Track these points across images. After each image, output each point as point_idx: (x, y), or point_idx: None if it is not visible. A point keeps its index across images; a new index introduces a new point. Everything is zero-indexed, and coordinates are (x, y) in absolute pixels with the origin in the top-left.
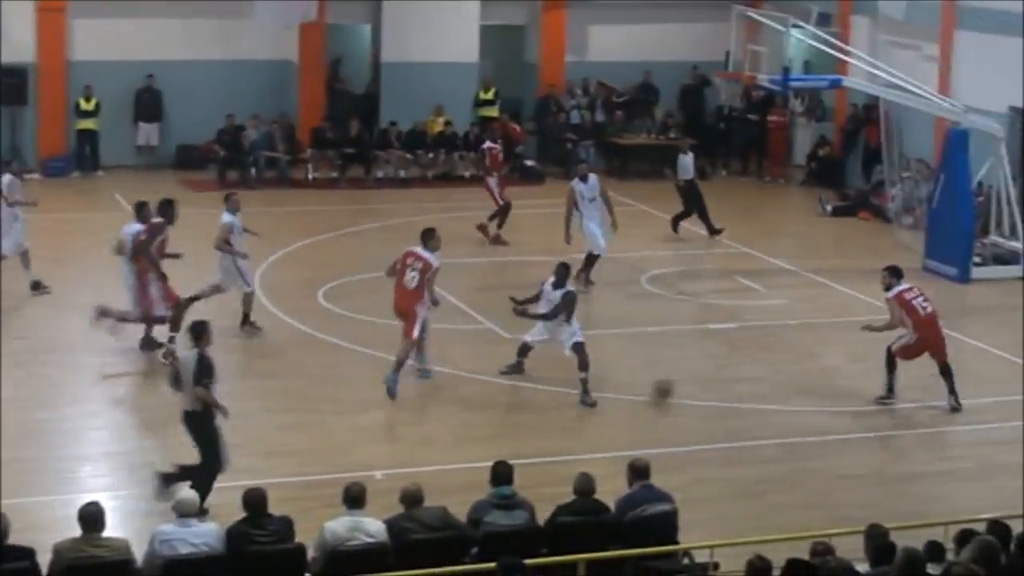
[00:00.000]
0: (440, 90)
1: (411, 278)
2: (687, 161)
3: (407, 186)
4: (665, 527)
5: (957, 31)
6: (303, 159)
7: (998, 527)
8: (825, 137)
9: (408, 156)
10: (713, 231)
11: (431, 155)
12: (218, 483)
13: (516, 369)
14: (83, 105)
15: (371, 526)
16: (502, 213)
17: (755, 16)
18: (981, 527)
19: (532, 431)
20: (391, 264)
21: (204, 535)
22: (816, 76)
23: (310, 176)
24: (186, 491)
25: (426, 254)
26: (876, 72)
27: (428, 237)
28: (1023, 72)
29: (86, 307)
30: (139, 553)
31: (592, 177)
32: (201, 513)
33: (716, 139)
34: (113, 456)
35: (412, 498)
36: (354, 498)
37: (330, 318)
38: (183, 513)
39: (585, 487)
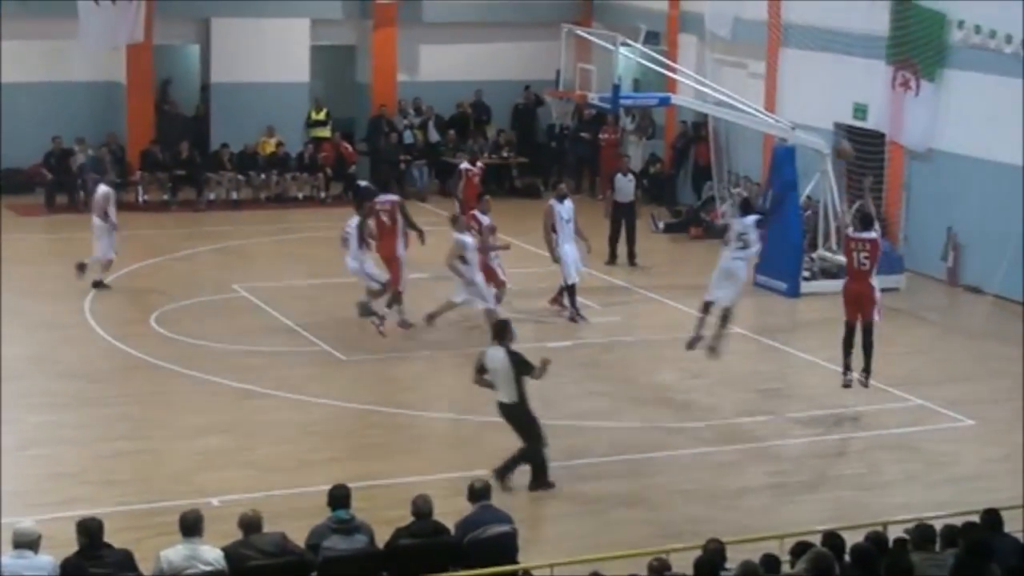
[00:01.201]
0: (271, 111)
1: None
2: (627, 183)
3: (239, 208)
4: (505, 548)
5: (783, 49)
6: (133, 182)
7: (832, 538)
8: (656, 154)
9: (240, 178)
10: (613, 259)
11: (263, 176)
12: (53, 513)
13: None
14: None
15: (208, 554)
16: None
17: (584, 35)
18: (816, 539)
19: (370, 453)
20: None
21: (39, 568)
22: (646, 94)
23: (140, 199)
24: (25, 522)
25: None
26: (704, 90)
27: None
28: (847, 89)
29: None
30: None
31: (568, 198)
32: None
33: (549, 157)
34: None
35: (250, 524)
36: (190, 526)
37: (163, 343)
38: (19, 544)
39: (423, 509)
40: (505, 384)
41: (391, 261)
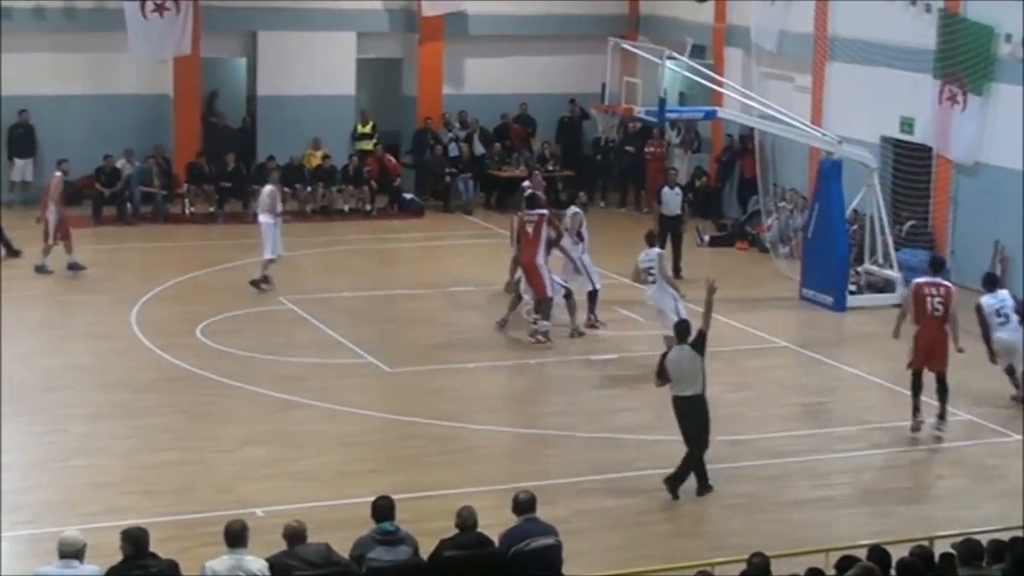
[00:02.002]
0: (317, 123)
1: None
2: (674, 196)
3: (285, 220)
4: (549, 560)
5: (829, 62)
6: (180, 194)
7: (878, 553)
8: (701, 168)
9: (286, 190)
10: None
11: (309, 189)
12: (97, 523)
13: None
14: None
15: (253, 564)
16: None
17: (631, 48)
18: (861, 553)
19: (414, 465)
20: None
21: None
22: (692, 108)
23: (187, 211)
24: (70, 531)
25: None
26: (750, 103)
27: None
28: (894, 103)
29: None
30: None
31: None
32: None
33: (594, 171)
34: None
35: (295, 535)
36: (235, 536)
37: (209, 354)
38: (65, 554)
39: (468, 521)
40: (690, 377)
41: (531, 270)
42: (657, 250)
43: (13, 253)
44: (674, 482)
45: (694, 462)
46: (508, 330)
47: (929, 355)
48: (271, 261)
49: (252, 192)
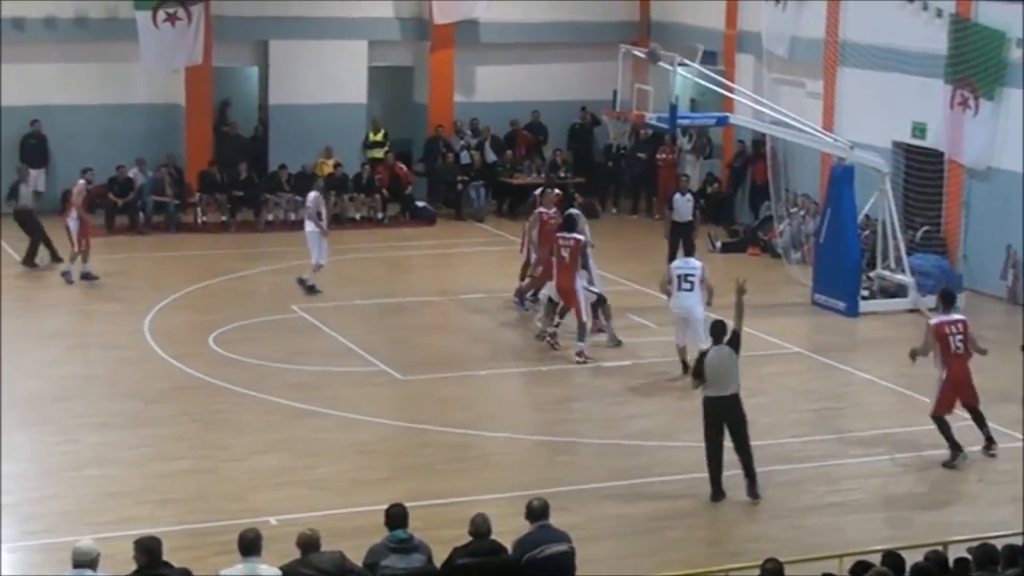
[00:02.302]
0: (329, 132)
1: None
2: (685, 203)
3: (297, 229)
4: (563, 567)
5: (841, 68)
6: (192, 203)
7: (892, 558)
8: (713, 174)
9: (298, 199)
10: None
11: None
12: (112, 532)
13: None
14: None
15: (267, 573)
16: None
17: (642, 55)
18: (875, 559)
19: (427, 473)
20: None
21: None
22: (703, 114)
23: (199, 220)
24: (84, 540)
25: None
26: (762, 109)
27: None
28: (905, 108)
29: None
30: None
31: None
32: None
33: (606, 177)
34: (5, 507)
35: (308, 543)
36: (249, 545)
37: (221, 363)
38: (79, 563)
39: (481, 528)
40: (730, 376)
41: (568, 294)
42: (698, 261)
43: (29, 260)
44: (751, 484)
45: (745, 460)
46: (558, 340)
47: (959, 393)
48: (320, 267)
49: (264, 201)
